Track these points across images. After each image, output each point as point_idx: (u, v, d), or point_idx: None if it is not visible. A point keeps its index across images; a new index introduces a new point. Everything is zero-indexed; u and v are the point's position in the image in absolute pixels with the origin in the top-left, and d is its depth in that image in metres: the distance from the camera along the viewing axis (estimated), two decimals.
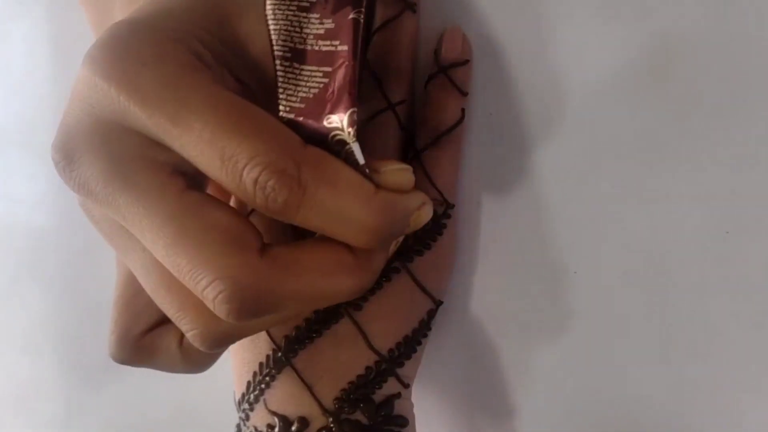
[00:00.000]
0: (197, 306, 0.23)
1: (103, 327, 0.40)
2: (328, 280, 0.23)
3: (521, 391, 0.31)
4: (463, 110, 0.30)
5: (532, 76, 0.30)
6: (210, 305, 0.22)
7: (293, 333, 0.29)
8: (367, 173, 0.23)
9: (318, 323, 0.28)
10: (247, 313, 0.22)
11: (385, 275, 0.29)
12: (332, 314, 0.29)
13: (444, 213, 0.30)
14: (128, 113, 0.21)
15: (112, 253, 0.39)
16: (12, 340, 0.42)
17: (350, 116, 0.22)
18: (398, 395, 0.29)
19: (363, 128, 0.23)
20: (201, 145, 0.21)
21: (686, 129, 0.28)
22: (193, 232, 0.21)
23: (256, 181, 0.20)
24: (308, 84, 0.24)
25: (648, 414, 0.29)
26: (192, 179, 0.23)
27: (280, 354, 0.29)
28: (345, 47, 0.23)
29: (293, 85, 0.24)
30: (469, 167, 0.31)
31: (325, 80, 0.23)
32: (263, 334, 0.29)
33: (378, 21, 0.31)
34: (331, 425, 0.28)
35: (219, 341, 0.24)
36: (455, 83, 0.30)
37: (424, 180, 0.30)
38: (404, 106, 0.31)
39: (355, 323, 0.28)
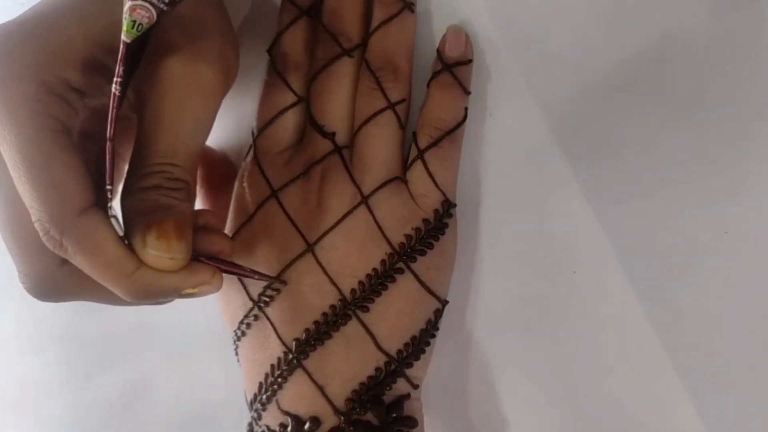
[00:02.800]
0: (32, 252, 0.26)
1: (103, 326, 0.40)
2: (113, 298, 0.26)
3: (521, 390, 0.31)
4: (466, 109, 0.31)
5: (532, 76, 0.30)
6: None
7: (303, 336, 0.29)
8: (130, 247, 0.24)
9: (327, 325, 0.29)
10: (40, 299, 0.28)
11: (390, 277, 0.29)
12: (340, 316, 0.29)
13: (446, 212, 0.30)
14: None
15: None
16: (13, 340, 0.42)
17: (108, 192, 0.23)
18: (408, 396, 0.29)
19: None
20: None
21: (686, 129, 0.28)
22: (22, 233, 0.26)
23: (35, 223, 0.24)
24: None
25: (648, 414, 0.29)
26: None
27: (291, 356, 0.29)
28: (109, 118, 0.23)
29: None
30: (469, 167, 0.31)
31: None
32: (273, 337, 0.30)
33: (376, 20, 0.31)
34: (343, 425, 0.28)
35: (45, 296, 0.28)
36: (460, 82, 0.30)
37: (427, 179, 0.30)
38: (404, 106, 0.31)
39: (363, 325, 0.29)
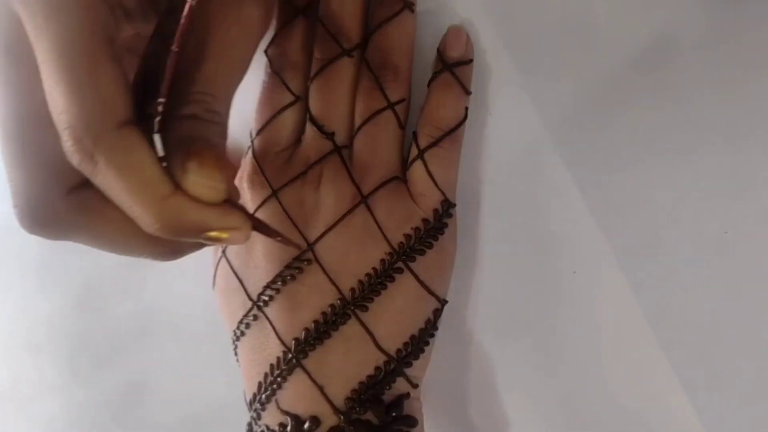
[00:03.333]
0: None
1: (104, 326, 0.40)
2: (118, 237, 0.24)
3: (520, 390, 0.31)
4: (466, 109, 0.31)
5: (532, 76, 0.30)
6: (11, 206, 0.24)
7: (303, 335, 0.29)
8: (168, 169, 0.22)
9: (326, 325, 0.29)
10: (33, 231, 0.24)
11: (389, 276, 0.29)
12: (339, 315, 0.29)
13: (445, 212, 0.30)
14: None
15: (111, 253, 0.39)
16: (14, 339, 0.42)
17: (159, 106, 0.22)
18: (407, 395, 0.29)
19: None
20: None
21: (686, 129, 0.28)
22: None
23: (61, 135, 0.22)
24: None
25: (647, 413, 0.29)
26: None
27: (290, 356, 0.29)
28: (179, 29, 0.22)
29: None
30: (469, 167, 0.31)
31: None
32: (272, 336, 0.30)
33: (377, 20, 0.31)
34: (343, 425, 0.28)
35: (41, 226, 0.25)
36: (460, 82, 0.30)
37: (427, 179, 0.30)
38: (403, 105, 0.31)
39: (363, 324, 0.29)
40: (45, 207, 0.24)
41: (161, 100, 0.22)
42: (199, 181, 0.22)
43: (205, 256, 0.34)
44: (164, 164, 0.22)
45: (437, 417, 0.32)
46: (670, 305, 0.29)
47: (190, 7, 0.22)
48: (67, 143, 0.21)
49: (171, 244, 0.25)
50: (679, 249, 0.28)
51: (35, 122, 0.23)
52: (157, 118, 0.22)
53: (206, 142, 0.23)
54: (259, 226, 0.26)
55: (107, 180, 0.22)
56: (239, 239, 0.24)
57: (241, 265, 0.31)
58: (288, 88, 0.31)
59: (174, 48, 0.22)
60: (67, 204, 0.24)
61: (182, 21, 0.22)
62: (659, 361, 0.29)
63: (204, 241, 0.24)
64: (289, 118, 0.32)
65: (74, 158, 0.21)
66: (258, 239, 0.31)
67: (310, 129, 0.31)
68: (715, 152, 0.28)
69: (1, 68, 0.24)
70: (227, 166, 0.23)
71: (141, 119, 0.22)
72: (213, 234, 0.23)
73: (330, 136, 0.31)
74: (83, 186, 0.24)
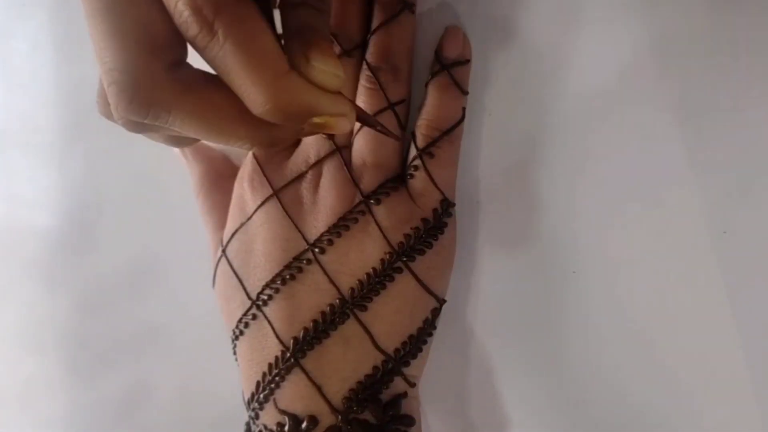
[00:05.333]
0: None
1: (107, 328, 0.40)
2: (219, 120, 0.23)
3: (519, 389, 0.31)
4: (464, 109, 0.31)
5: (532, 76, 0.30)
6: (105, 86, 0.22)
7: (301, 334, 0.29)
8: (289, 49, 0.22)
9: (325, 324, 0.29)
10: (130, 110, 0.22)
11: (389, 276, 0.29)
12: (338, 315, 0.29)
13: (445, 212, 0.30)
14: None
15: (113, 253, 0.39)
16: (15, 339, 0.42)
17: None
18: (405, 394, 0.29)
19: None
20: None
21: (685, 129, 0.28)
22: (125, 18, 0.21)
23: (176, 5, 0.21)
24: None
25: (647, 413, 0.29)
26: None
27: (289, 355, 0.29)
28: None
29: None
30: (469, 167, 0.31)
31: None
32: (271, 336, 0.30)
33: (377, 21, 0.31)
34: (340, 424, 0.28)
35: (139, 103, 0.22)
36: (458, 82, 0.30)
37: (426, 179, 0.30)
38: (403, 106, 0.31)
39: (361, 324, 0.29)
40: (144, 80, 0.22)
41: None
42: (324, 68, 0.22)
43: (207, 259, 0.34)
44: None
45: (437, 416, 0.32)
46: (669, 305, 0.28)
47: None
48: (185, 13, 0.20)
49: (272, 131, 0.24)
50: (679, 249, 0.28)
51: None
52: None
53: (321, 31, 0.22)
54: (363, 116, 0.26)
55: (224, 53, 0.21)
56: (345, 126, 0.24)
57: (240, 264, 0.31)
58: None
59: None
60: (166, 81, 0.22)
61: None
62: (658, 360, 0.29)
63: (308, 128, 0.23)
64: None
65: (192, 28, 0.21)
66: (257, 238, 0.31)
67: None
68: (715, 152, 0.28)
69: None
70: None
71: None
72: (319, 120, 0.23)
73: (330, 136, 0.31)
74: (182, 65, 0.22)
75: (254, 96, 0.21)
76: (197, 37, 0.21)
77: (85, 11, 0.22)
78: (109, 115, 0.24)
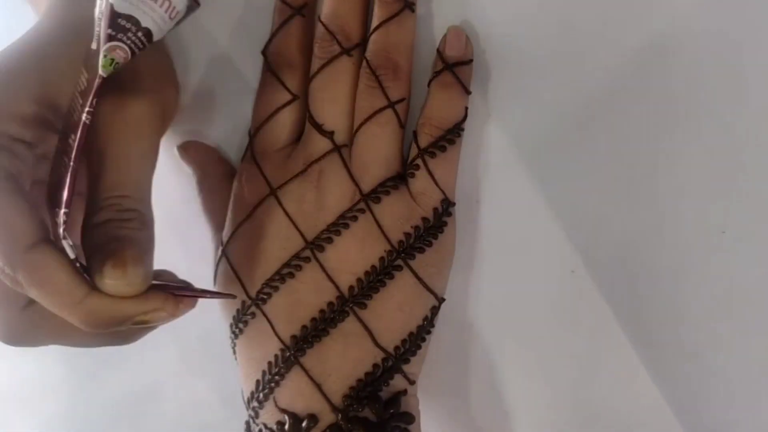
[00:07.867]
0: None
1: None
2: (75, 338, 0.28)
3: (518, 387, 0.31)
4: (466, 109, 0.31)
5: (532, 76, 0.30)
6: None
7: (300, 332, 0.29)
8: (82, 274, 0.25)
9: (324, 322, 0.29)
10: (8, 343, 0.28)
11: (388, 274, 0.29)
12: (338, 313, 0.29)
13: (445, 211, 0.30)
14: None
15: None
16: None
17: (62, 216, 0.24)
18: (404, 392, 0.29)
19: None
20: None
21: (685, 129, 0.28)
22: None
23: None
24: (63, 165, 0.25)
25: (647, 413, 0.29)
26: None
27: (288, 353, 0.29)
28: (75, 145, 0.24)
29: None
30: (469, 167, 0.31)
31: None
32: (270, 334, 0.30)
33: (377, 20, 0.31)
34: (340, 422, 0.28)
35: (12, 340, 0.28)
36: (461, 81, 0.30)
37: (427, 178, 0.30)
38: (403, 104, 0.31)
39: (361, 321, 0.29)
40: (9, 323, 0.28)
41: (64, 210, 0.24)
42: (113, 282, 0.25)
43: (207, 258, 0.34)
44: (87, 275, 0.25)
45: (437, 414, 0.32)
46: (669, 304, 0.28)
47: (84, 125, 0.24)
48: None
49: (117, 333, 0.28)
50: (679, 248, 0.28)
51: None
52: (62, 228, 0.24)
53: (121, 241, 0.25)
54: (185, 293, 0.28)
55: (33, 294, 0.25)
56: (165, 317, 0.26)
57: (240, 262, 0.31)
58: (285, 87, 0.31)
59: (71, 163, 0.24)
60: (26, 317, 0.27)
61: (78, 137, 0.24)
62: (658, 360, 0.29)
63: (132, 326, 0.26)
64: (287, 117, 0.32)
65: (6, 282, 0.25)
66: (257, 237, 0.31)
67: (309, 128, 0.31)
68: (714, 152, 0.28)
69: None
70: (144, 256, 0.26)
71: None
72: (139, 318, 0.26)
73: (329, 135, 0.31)
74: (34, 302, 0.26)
75: (71, 321, 0.25)
76: (13, 286, 0.25)
77: None
78: None
